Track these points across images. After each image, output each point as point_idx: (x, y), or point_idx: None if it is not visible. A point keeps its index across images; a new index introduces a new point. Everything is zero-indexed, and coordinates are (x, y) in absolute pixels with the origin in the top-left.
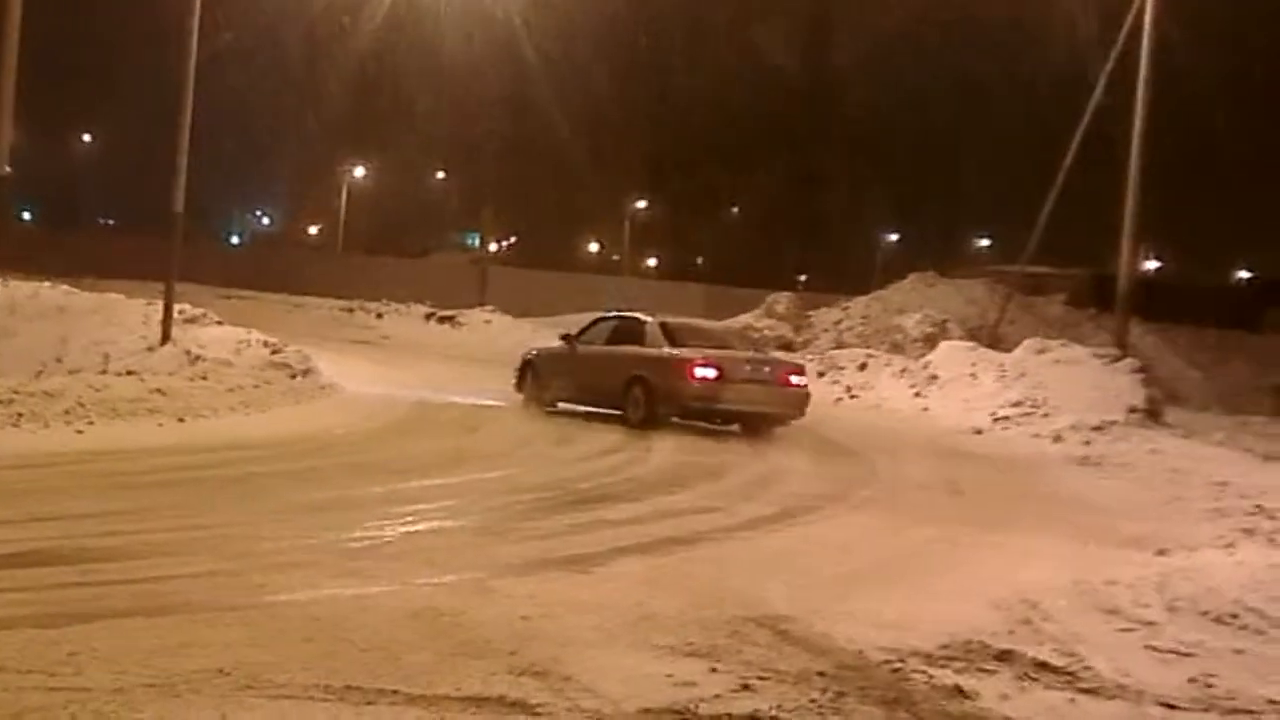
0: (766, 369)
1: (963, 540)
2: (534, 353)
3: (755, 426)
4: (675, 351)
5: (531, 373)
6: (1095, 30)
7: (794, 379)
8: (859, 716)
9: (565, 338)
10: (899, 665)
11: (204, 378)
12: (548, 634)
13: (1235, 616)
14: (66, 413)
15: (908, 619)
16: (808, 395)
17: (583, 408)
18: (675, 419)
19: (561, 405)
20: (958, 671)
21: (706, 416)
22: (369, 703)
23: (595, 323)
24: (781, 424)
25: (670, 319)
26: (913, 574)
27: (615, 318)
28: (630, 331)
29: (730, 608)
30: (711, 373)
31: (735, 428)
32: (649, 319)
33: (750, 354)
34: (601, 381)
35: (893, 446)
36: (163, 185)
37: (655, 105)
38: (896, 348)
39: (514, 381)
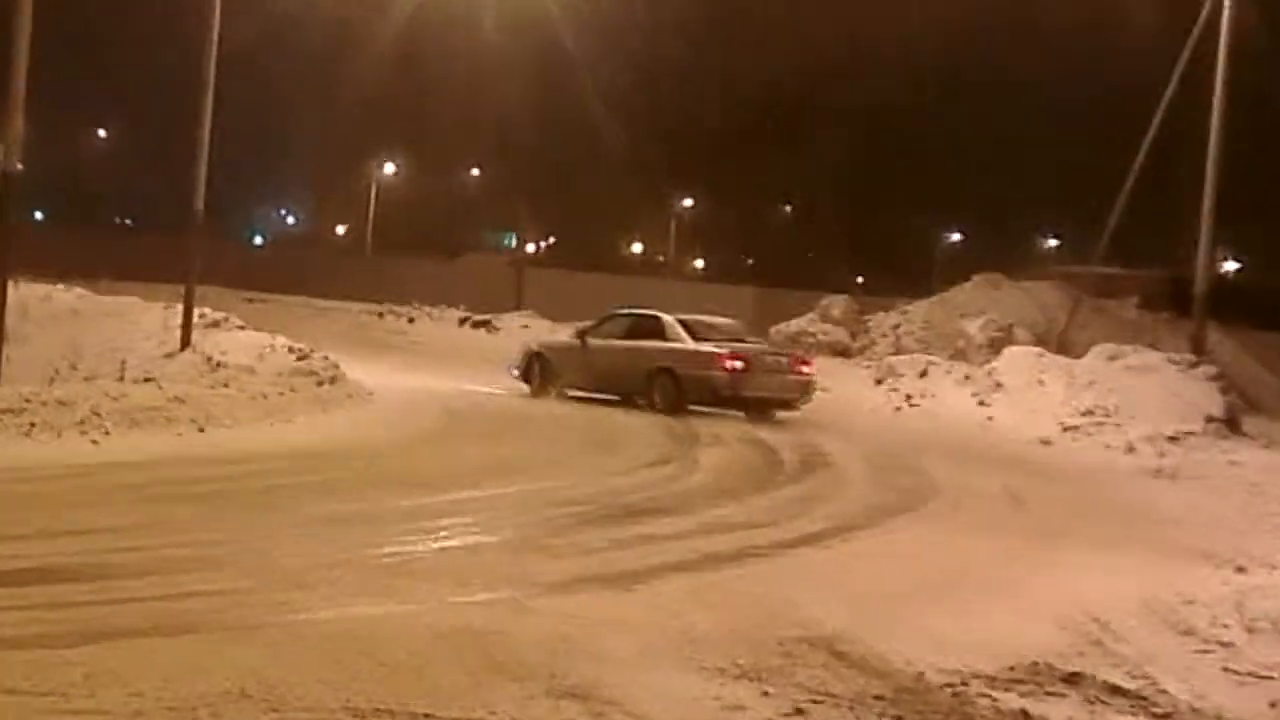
0: (783, 359)
1: (1029, 556)
2: (541, 345)
3: (762, 411)
4: (703, 345)
5: (540, 364)
6: (1172, 19)
7: (803, 368)
8: None
9: (579, 332)
10: (961, 688)
11: (225, 385)
12: (589, 655)
13: None
14: (81, 422)
15: (970, 639)
16: (813, 382)
17: (598, 396)
18: (697, 406)
19: (572, 393)
20: (1023, 695)
21: (730, 404)
22: None
23: (607, 319)
24: (792, 409)
25: (686, 316)
26: (975, 591)
27: (629, 314)
28: (648, 327)
29: (782, 627)
30: (740, 364)
31: (729, 412)
32: (666, 316)
33: (766, 345)
34: (621, 372)
35: (955, 458)
36: (182, 183)
37: (702, 98)
38: (959, 354)
39: (516, 373)
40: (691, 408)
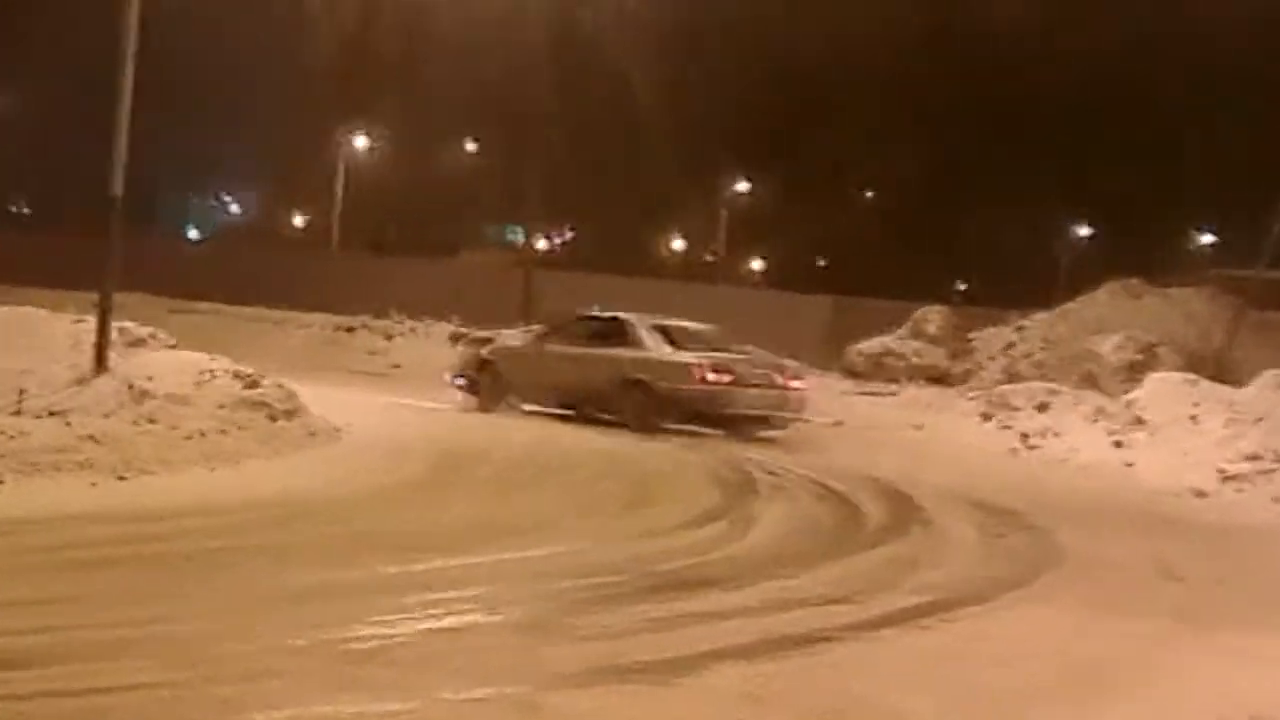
0: (770, 373)
1: (1179, 642)
2: (490, 351)
3: (746, 431)
4: (683, 356)
5: (490, 373)
6: None
7: (794, 383)
8: None
9: (536, 337)
10: None
11: (152, 420)
12: None
13: None
14: None
15: None
16: (806, 398)
17: (554, 410)
18: (672, 424)
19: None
20: None
21: (712, 422)
22: None
23: (570, 322)
24: (780, 428)
25: (660, 320)
26: (1112, 687)
27: (594, 318)
28: (617, 332)
29: None
30: (724, 377)
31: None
32: (637, 320)
33: (751, 356)
34: (585, 384)
35: (1084, 514)
36: (97, 161)
37: (762, 56)
38: (1089, 381)
39: (461, 382)
40: (668, 426)
